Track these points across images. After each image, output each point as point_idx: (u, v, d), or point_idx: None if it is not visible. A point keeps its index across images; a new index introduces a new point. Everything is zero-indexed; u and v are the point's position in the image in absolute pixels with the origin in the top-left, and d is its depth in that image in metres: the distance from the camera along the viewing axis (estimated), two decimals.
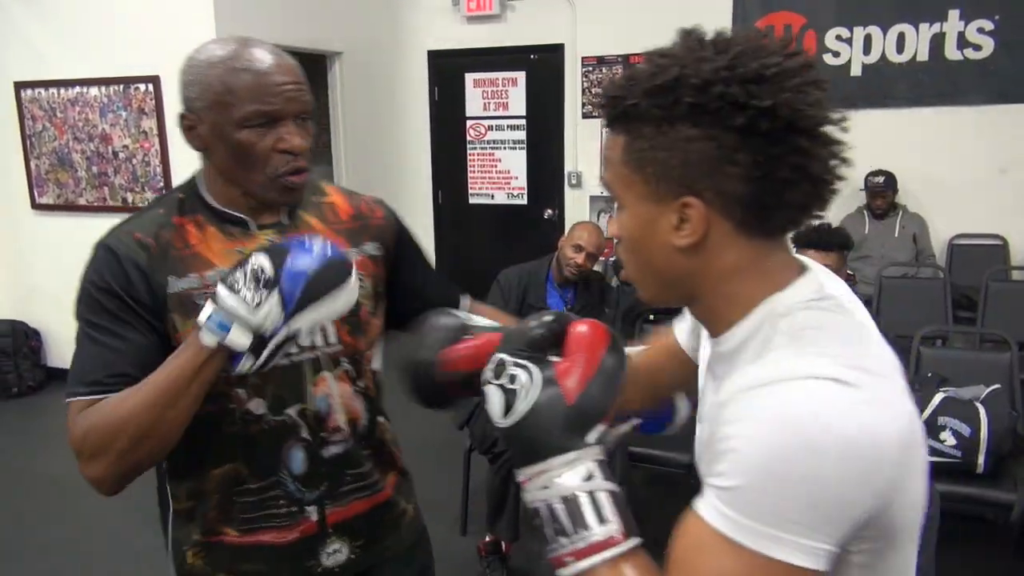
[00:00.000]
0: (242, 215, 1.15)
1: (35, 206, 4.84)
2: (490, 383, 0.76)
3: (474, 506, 3.07)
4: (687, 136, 0.69)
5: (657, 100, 0.70)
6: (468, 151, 5.81)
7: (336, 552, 1.22)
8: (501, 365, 0.76)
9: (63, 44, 4.51)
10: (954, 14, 4.50)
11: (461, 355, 0.93)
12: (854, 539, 0.66)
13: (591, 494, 0.71)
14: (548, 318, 0.79)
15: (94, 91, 4.49)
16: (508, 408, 0.74)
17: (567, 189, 5.57)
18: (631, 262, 0.80)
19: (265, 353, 0.99)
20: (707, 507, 0.67)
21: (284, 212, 1.18)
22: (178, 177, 4.39)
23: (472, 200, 5.90)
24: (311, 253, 0.99)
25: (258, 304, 0.96)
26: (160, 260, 1.10)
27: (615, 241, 0.83)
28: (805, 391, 0.65)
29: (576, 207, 5.52)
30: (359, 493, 1.23)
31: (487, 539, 2.88)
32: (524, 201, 5.75)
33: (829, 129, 0.70)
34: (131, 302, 1.07)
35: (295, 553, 1.19)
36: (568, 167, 5.54)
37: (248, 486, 1.16)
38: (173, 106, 4.31)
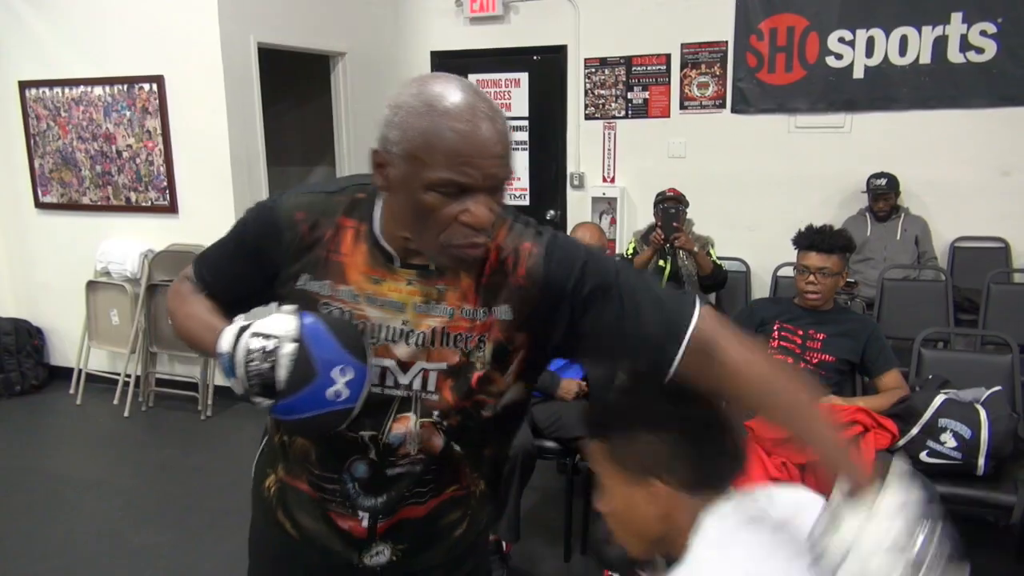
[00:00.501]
0: (391, 249, 1.13)
1: (39, 205, 4.86)
2: None
3: None
4: (645, 441, 1.04)
5: (621, 420, 1.10)
6: None
7: (378, 554, 1.23)
8: None
9: (68, 44, 4.52)
10: (957, 17, 4.50)
11: None
12: None
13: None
14: None
15: (98, 90, 4.50)
16: None
17: (569, 190, 5.58)
18: (621, 531, 1.11)
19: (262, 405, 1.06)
20: None
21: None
22: (181, 177, 4.42)
23: None
24: (322, 393, 1.02)
25: (250, 388, 1.03)
26: (303, 251, 1.15)
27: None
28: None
29: (578, 208, 5.53)
30: (411, 501, 1.21)
31: (490, 538, 2.88)
32: (526, 202, 5.76)
33: (734, 415, 1.08)
34: (256, 257, 1.19)
35: (342, 542, 1.23)
36: (570, 168, 5.55)
37: (314, 471, 1.21)
38: (177, 106, 4.35)
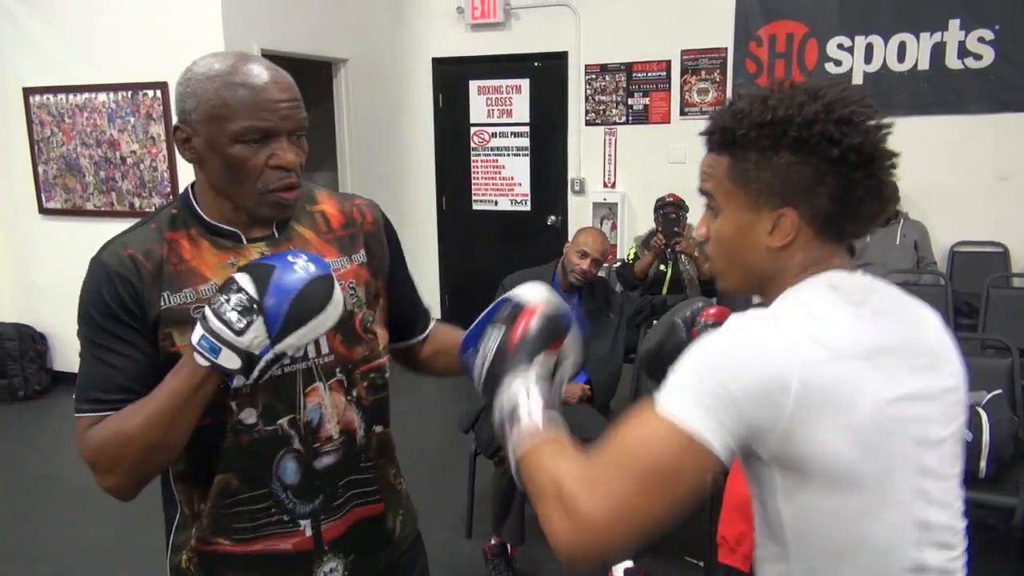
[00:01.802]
0: (234, 228, 1.16)
1: (43, 211, 4.88)
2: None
3: (479, 509, 3.09)
4: (788, 162, 0.90)
5: (765, 132, 0.90)
6: (472, 158, 5.85)
7: (332, 571, 1.22)
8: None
9: (72, 50, 4.55)
10: (954, 23, 4.54)
11: (715, 312, 1.28)
12: (759, 447, 0.85)
13: (527, 399, 1.00)
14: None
15: (102, 97, 4.53)
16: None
17: (570, 196, 5.60)
18: (722, 257, 1.00)
19: (255, 372, 1.03)
20: (656, 395, 0.87)
21: (275, 224, 1.18)
22: (185, 183, 4.40)
23: (476, 207, 5.94)
24: (294, 273, 1.01)
25: (243, 329, 0.99)
26: (154, 277, 1.10)
27: (695, 240, 1.04)
28: (749, 323, 0.88)
29: (579, 214, 5.55)
30: (352, 503, 1.23)
31: (492, 542, 2.90)
32: (527, 208, 5.78)
33: (895, 162, 0.93)
34: (126, 319, 1.09)
35: (289, 566, 1.19)
36: (571, 174, 5.58)
37: (241, 496, 1.16)
38: None
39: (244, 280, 1.01)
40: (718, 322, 1.24)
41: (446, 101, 5.85)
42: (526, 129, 5.67)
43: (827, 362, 0.84)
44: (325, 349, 1.18)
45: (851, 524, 0.89)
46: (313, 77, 5.46)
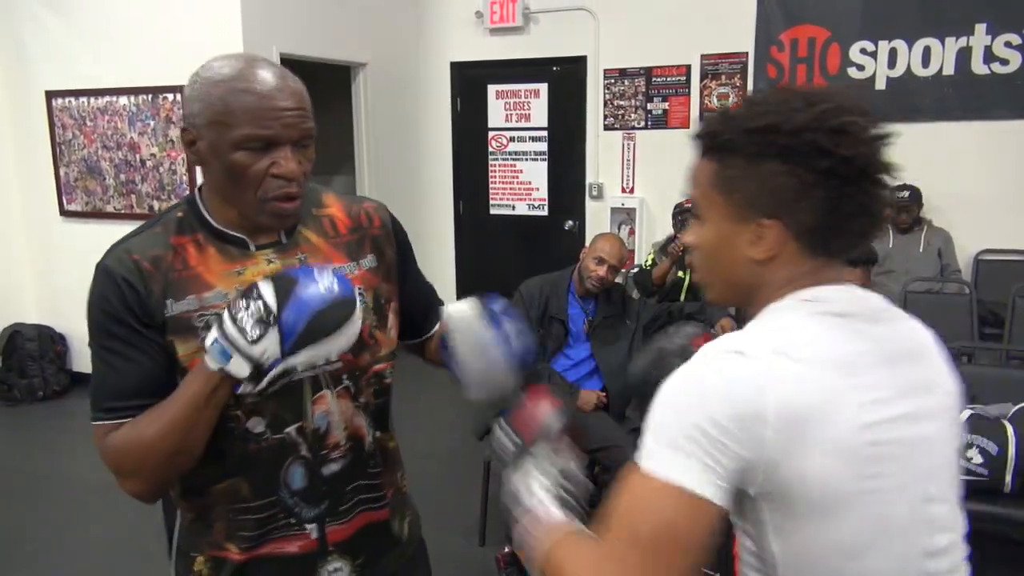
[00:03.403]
0: (240, 235, 1.14)
1: (64, 213, 4.93)
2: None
3: (493, 517, 3.07)
4: (774, 171, 0.85)
5: (752, 138, 0.85)
6: (490, 162, 5.84)
7: (337, 571, 1.22)
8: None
9: (93, 54, 4.59)
10: (981, 28, 4.47)
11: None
12: (748, 484, 0.80)
13: (538, 501, 0.99)
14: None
15: (123, 100, 4.56)
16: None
17: (588, 200, 5.57)
18: (704, 268, 0.96)
19: (263, 383, 1.03)
20: (639, 454, 0.83)
21: (282, 230, 1.18)
22: None
23: (493, 211, 5.92)
24: (316, 291, 1.00)
25: (257, 339, 0.99)
26: (158, 282, 1.09)
27: (682, 247, 1.03)
28: (712, 354, 0.83)
29: (597, 219, 5.52)
30: (359, 508, 1.24)
31: (506, 550, 2.87)
32: (545, 212, 5.76)
33: (889, 176, 0.86)
34: (134, 324, 1.08)
35: (295, 568, 1.19)
36: (589, 178, 5.55)
37: (248, 504, 1.16)
38: None
39: (266, 290, 1.00)
40: None
41: (464, 105, 5.85)
42: (544, 134, 5.65)
43: (799, 377, 0.80)
44: (333, 356, 1.17)
45: (850, 560, 0.83)
46: (332, 81, 5.48)
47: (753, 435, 0.78)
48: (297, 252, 1.17)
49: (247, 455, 1.13)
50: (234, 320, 1.00)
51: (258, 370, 1.01)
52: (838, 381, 0.81)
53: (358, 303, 1.05)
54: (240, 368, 1.00)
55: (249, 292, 1.01)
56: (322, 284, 1.01)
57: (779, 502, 0.81)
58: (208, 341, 1.01)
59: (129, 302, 1.08)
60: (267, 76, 1.07)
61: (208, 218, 1.14)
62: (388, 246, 1.28)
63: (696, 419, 0.79)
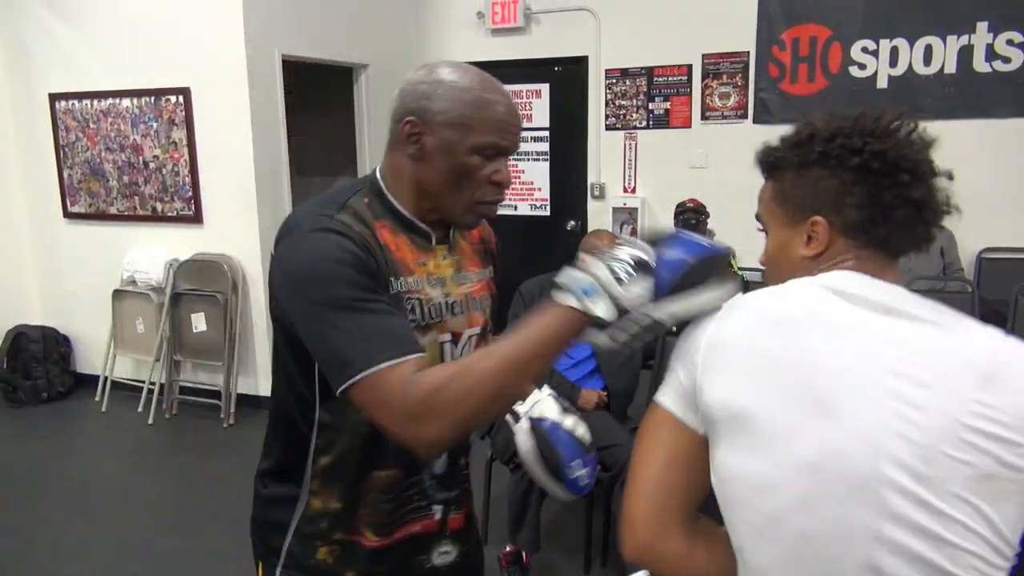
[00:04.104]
0: (426, 227, 1.20)
1: (67, 215, 4.95)
2: None
3: (495, 516, 3.08)
4: (816, 176, 0.94)
5: (797, 151, 0.96)
6: None
7: (445, 553, 1.30)
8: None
9: (97, 57, 4.62)
10: (983, 26, 4.46)
11: None
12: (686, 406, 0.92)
13: None
14: None
15: (126, 102, 4.58)
16: None
17: (590, 201, 5.58)
18: (773, 277, 1.01)
19: (629, 333, 0.97)
20: None
21: (452, 231, 1.25)
22: (206, 187, 4.48)
23: None
24: (695, 243, 0.98)
25: (631, 282, 0.94)
26: (377, 256, 1.10)
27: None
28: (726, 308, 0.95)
29: (599, 218, 5.52)
30: (466, 498, 1.36)
31: (508, 549, 2.87)
32: (547, 212, 5.76)
33: (929, 168, 0.93)
34: (373, 284, 1.06)
35: (414, 547, 1.26)
36: (591, 179, 5.55)
37: (396, 491, 1.22)
38: (203, 117, 4.41)
39: (641, 245, 0.98)
40: None
41: None
42: (546, 134, 5.65)
43: (738, 317, 0.90)
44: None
45: (759, 494, 0.85)
46: (333, 83, 5.50)
47: (691, 361, 0.91)
48: (455, 253, 1.26)
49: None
50: (607, 263, 0.96)
51: (620, 316, 0.95)
52: (777, 329, 0.88)
53: (734, 263, 1.05)
54: (606, 310, 0.95)
55: (622, 246, 0.98)
56: (704, 239, 0.99)
57: (709, 427, 0.90)
58: (566, 279, 0.98)
59: (369, 261, 1.07)
60: (503, 93, 1.17)
61: (398, 206, 1.18)
62: (497, 263, 1.41)
63: (675, 356, 0.95)
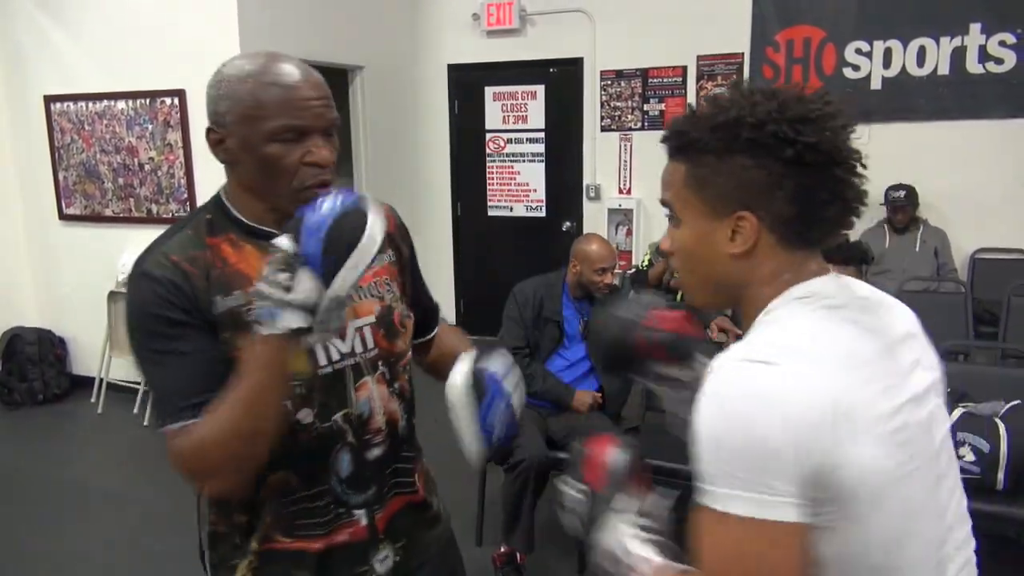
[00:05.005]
0: (272, 229, 1.13)
1: (62, 217, 4.94)
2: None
3: (489, 516, 3.08)
4: (742, 164, 0.85)
5: (719, 135, 0.86)
6: (487, 164, 5.85)
7: (386, 559, 1.25)
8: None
9: (92, 59, 4.61)
10: (975, 27, 4.48)
11: (669, 317, 1.17)
12: (810, 496, 0.77)
13: (639, 558, 0.95)
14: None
15: (121, 104, 4.58)
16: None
17: (585, 202, 5.59)
18: (686, 271, 0.96)
19: (321, 324, 1.00)
20: (700, 492, 0.80)
21: None
22: (201, 189, 4.48)
23: (491, 212, 5.94)
24: (319, 213, 0.98)
25: (291, 284, 0.97)
26: (202, 280, 1.10)
27: (661, 253, 1.01)
28: (735, 371, 0.80)
29: (594, 220, 5.54)
30: (396, 491, 1.28)
31: (502, 550, 2.88)
32: (543, 213, 5.77)
33: (859, 159, 0.87)
34: (183, 318, 1.07)
35: (346, 558, 1.21)
36: (587, 180, 5.56)
37: (298, 494, 1.17)
38: (198, 119, 4.40)
39: (282, 240, 0.99)
40: (674, 331, 1.17)
41: (461, 107, 5.86)
42: (541, 135, 5.66)
43: (818, 378, 0.79)
44: (371, 344, 1.21)
45: (888, 554, 0.82)
46: (329, 84, 5.49)
47: (798, 440, 0.76)
48: None
49: (298, 446, 1.14)
50: (266, 281, 0.98)
51: (311, 314, 0.98)
52: (854, 375, 0.80)
53: (369, 203, 1.03)
54: (293, 319, 0.97)
55: (271, 251, 1.00)
56: (325, 205, 0.99)
57: (827, 505, 0.79)
58: (254, 313, 1.00)
59: (174, 300, 1.08)
60: (291, 69, 1.10)
61: (238, 216, 1.16)
62: (403, 244, 1.34)
63: (744, 445, 0.76)
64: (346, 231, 0.98)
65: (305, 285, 0.97)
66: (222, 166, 1.17)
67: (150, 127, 4.53)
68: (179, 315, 1.07)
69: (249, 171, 1.12)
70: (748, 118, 0.84)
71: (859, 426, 0.78)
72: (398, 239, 1.33)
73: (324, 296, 0.98)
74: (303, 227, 0.98)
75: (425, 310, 1.42)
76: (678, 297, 3.98)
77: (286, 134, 1.08)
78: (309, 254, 0.97)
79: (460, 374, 1.22)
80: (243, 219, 1.16)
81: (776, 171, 0.84)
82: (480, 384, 1.21)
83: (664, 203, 0.95)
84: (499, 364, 1.23)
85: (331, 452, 1.18)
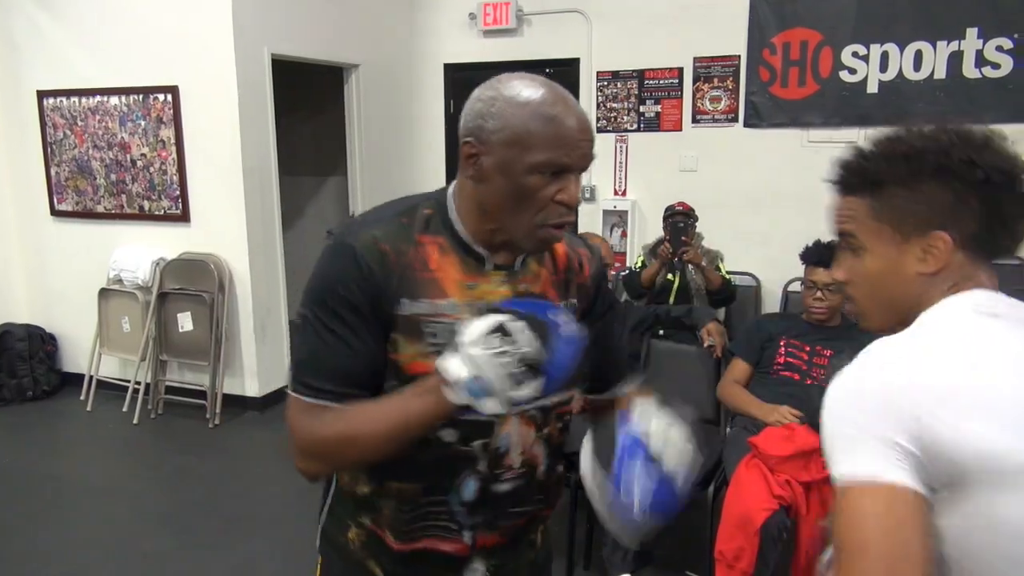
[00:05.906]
0: (480, 249, 1.16)
1: (54, 212, 4.92)
2: None
3: None
4: (931, 189, 0.94)
5: (903, 165, 0.95)
6: None
7: (474, 570, 1.26)
8: None
9: (85, 54, 4.59)
10: (972, 32, 4.47)
11: None
12: (929, 472, 0.81)
13: None
14: None
15: (114, 100, 4.56)
16: None
17: (580, 203, 5.56)
18: (866, 296, 1.02)
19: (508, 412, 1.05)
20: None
21: (521, 257, 1.19)
22: (193, 185, 4.46)
23: None
24: (571, 342, 1.01)
25: (524, 387, 0.99)
26: (397, 276, 1.10)
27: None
28: (871, 350, 0.88)
29: (589, 221, 5.51)
30: (509, 520, 1.26)
31: None
32: None
33: None
34: (365, 312, 1.09)
35: (443, 566, 1.24)
36: (582, 181, 5.53)
37: (420, 505, 1.19)
38: (191, 116, 4.39)
39: (526, 337, 0.98)
40: None
41: (457, 107, 5.80)
42: None
43: (960, 360, 0.85)
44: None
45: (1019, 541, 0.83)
46: (324, 82, 5.49)
47: (906, 409, 0.82)
48: (522, 281, 1.19)
49: (431, 461, 1.15)
50: (498, 364, 0.98)
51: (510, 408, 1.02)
52: (995, 367, 0.85)
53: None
54: (493, 407, 1.00)
55: (501, 329, 0.99)
56: (566, 329, 1.01)
57: (950, 486, 0.82)
58: (455, 374, 0.99)
59: (366, 286, 1.09)
60: (568, 106, 1.09)
61: (457, 225, 1.16)
62: (587, 295, 1.31)
63: (874, 411, 0.83)
64: (577, 364, 1.02)
65: (533, 393, 1.00)
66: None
67: (143, 123, 4.51)
68: (363, 304, 1.09)
69: (496, 192, 1.10)
70: (933, 147, 0.94)
71: (967, 410, 0.82)
72: (585, 291, 1.30)
73: (530, 402, 1.02)
74: (559, 349, 0.99)
75: (606, 364, 1.35)
76: (671, 299, 3.97)
77: (548, 169, 1.07)
78: (553, 375, 0.99)
79: (587, 441, 1.22)
80: (459, 229, 1.16)
81: (963, 193, 0.92)
82: (610, 448, 1.15)
83: (844, 234, 1.02)
84: (647, 423, 1.17)
85: (460, 473, 1.18)
